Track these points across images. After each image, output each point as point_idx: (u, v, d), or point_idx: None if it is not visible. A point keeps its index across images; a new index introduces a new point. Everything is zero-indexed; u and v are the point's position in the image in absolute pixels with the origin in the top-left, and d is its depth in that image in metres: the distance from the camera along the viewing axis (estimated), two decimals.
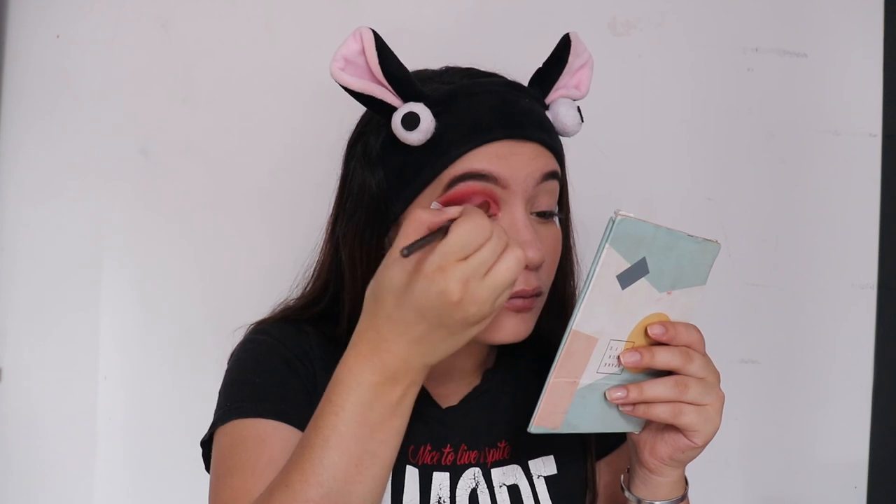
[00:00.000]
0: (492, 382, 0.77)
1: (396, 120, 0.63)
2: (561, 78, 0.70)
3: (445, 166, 0.63)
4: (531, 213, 0.66)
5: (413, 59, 1.28)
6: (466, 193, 0.63)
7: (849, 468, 1.33)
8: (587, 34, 1.24)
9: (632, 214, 0.55)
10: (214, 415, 0.70)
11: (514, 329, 0.66)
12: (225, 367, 0.74)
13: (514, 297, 0.64)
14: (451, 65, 0.73)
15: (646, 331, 0.60)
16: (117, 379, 1.17)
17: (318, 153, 1.18)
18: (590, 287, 0.56)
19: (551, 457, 0.76)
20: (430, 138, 0.63)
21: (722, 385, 0.63)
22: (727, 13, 1.30)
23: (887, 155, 1.33)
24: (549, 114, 0.70)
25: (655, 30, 1.28)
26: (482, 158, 0.63)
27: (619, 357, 0.60)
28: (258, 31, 1.19)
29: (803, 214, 1.32)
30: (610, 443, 0.80)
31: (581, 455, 0.79)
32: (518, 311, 0.65)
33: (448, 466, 0.73)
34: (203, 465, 0.73)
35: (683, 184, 1.29)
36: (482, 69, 0.72)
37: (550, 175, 0.67)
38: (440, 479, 0.72)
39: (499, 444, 0.75)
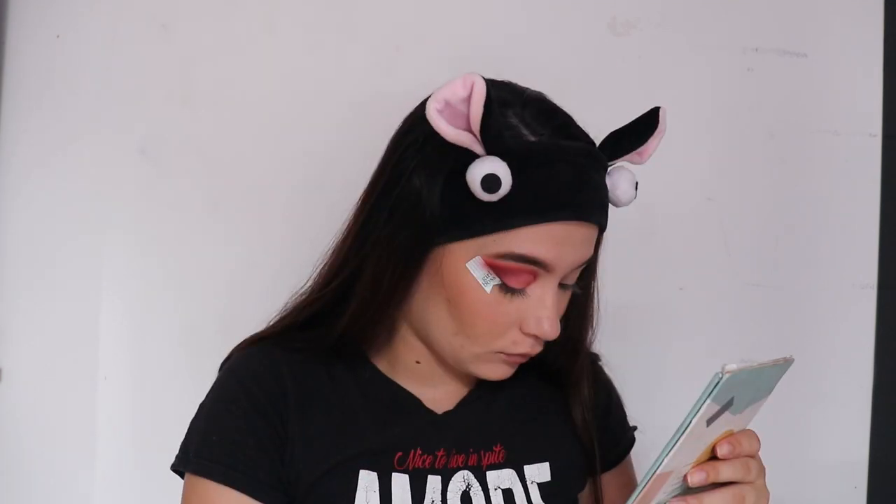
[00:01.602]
0: (487, 387, 0.77)
1: (476, 176, 0.61)
2: (637, 148, 0.71)
3: (506, 229, 0.63)
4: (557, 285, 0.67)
5: (412, 58, 1.28)
6: (513, 269, 0.64)
7: (849, 468, 1.33)
8: (587, 34, 1.25)
9: (735, 366, 0.55)
10: (181, 445, 0.73)
11: (502, 374, 0.70)
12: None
13: (518, 355, 0.68)
14: (532, 92, 0.70)
15: (713, 448, 0.60)
16: (117, 379, 1.17)
17: (318, 153, 1.19)
18: (683, 436, 0.55)
19: (546, 464, 0.76)
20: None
21: None
22: (727, 13, 1.29)
23: (887, 155, 1.33)
24: (608, 179, 0.69)
25: (655, 30, 1.27)
26: (539, 240, 0.64)
27: (685, 476, 0.60)
28: (258, 32, 1.19)
29: (803, 214, 1.32)
30: (613, 457, 0.81)
31: (578, 466, 0.79)
32: (513, 364, 0.69)
33: (440, 470, 0.72)
34: None
35: (683, 184, 1.29)
36: (564, 113, 0.70)
37: (589, 261, 0.69)
38: (434, 483, 0.72)
39: (494, 448, 0.75)
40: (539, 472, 0.75)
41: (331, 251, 0.76)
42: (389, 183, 0.68)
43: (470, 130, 0.62)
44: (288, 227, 1.17)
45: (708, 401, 0.54)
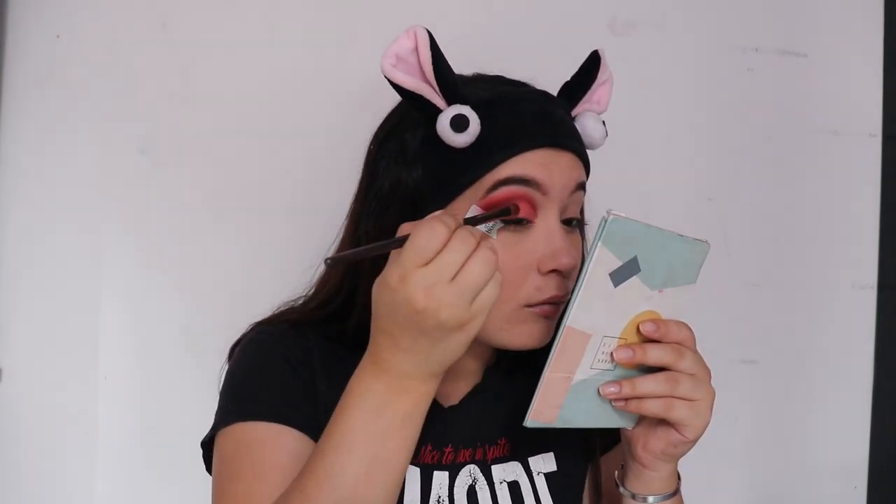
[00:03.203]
0: (492, 380, 0.77)
1: (444, 121, 0.63)
2: (587, 93, 0.72)
3: (489, 170, 0.64)
4: (560, 221, 0.67)
5: None
6: (509, 197, 0.64)
7: (849, 468, 1.33)
8: (587, 34, 1.25)
9: (623, 214, 0.56)
10: (216, 416, 0.70)
11: (539, 335, 0.67)
12: (225, 367, 0.74)
13: (546, 302, 0.66)
14: (479, 72, 0.73)
15: (638, 328, 0.61)
16: (117, 379, 1.17)
17: (318, 151, 1.19)
18: (583, 284, 0.57)
19: (551, 454, 0.76)
20: (473, 141, 0.64)
21: (722, 385, 0.63)
22: (727, 13, 1.30)
23: (887, 155, 1.33)
24: (576, 125, 0.71)
25: (655, 30, 1.28)
26: (525, 164, 0.64)
27: (612, 353, 0.61)
28: (258, 31, 1.19)
29: (803, 214, 1.32)
30: (610, 440, 0.80)
31: (581, 452, 0.79)
32: (547, 316, 0.66)
33: (447, 465, 0.73)
34: (203, 466, 0.73)
35: (683, 184, 1.29)
36: (510, 77, 0.72)
37: (581, 186, 0.68)
38: (440, 479, 0.72)
39: (499, 442, 0.75)
40: (544, 463, 0.76)
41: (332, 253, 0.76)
42: (372, 178, 0.70)
43: (426, 81, 0.64)
44: (288, 225, 1.17)
45: (599, 244, 0.56)
